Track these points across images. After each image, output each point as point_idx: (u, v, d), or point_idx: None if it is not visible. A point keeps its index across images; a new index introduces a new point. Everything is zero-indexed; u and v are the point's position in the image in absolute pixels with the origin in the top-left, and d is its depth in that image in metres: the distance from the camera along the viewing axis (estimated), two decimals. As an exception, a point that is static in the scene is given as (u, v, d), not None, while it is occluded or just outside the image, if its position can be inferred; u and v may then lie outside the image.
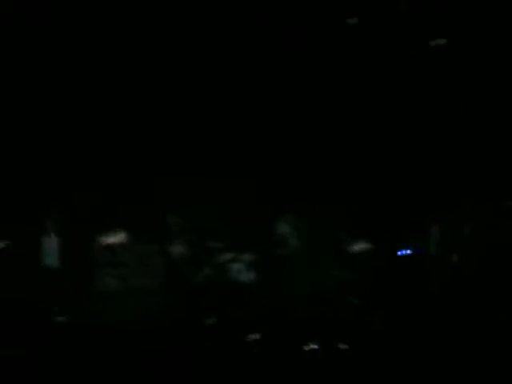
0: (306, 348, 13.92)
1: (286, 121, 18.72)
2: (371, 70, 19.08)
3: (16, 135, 16.86)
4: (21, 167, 16.75)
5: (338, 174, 18.77)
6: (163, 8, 17.94)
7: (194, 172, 17.64)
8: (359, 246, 17.61)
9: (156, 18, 17.81)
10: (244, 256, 16.59)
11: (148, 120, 17.59)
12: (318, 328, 14.57)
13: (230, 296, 15.43)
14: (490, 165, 18.81)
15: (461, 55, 19.20)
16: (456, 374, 12.99)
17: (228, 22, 18.29)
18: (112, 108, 17.45)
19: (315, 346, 13.97)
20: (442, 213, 17.81)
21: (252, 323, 14.52)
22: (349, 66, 18.94)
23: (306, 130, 18.85)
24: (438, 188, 18.47)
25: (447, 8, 19.12)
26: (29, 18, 16.95)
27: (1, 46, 16.72)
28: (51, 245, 15.42)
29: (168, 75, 17.98)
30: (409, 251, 17.46)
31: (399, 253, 17.56)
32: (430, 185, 18.55)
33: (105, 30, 17.44)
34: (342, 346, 14.14)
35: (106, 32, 17.42)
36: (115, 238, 15.78)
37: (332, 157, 19.01)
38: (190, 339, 13.38)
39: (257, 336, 14.01)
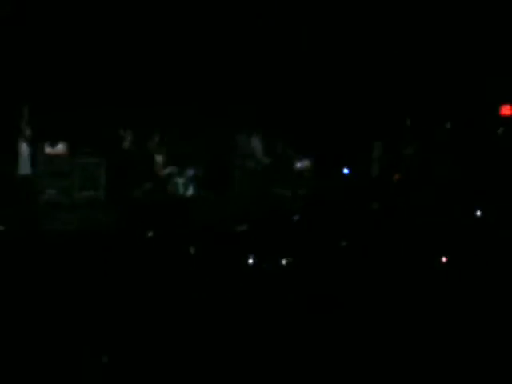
0: (247, 262, 14.17)
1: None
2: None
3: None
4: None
5: (285, 94, 18.83)
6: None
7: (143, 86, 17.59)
8: (304, 164, 17.81)
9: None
10: (188, 171, 16.73)
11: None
12: (260, 244, 14.81)
13: (173, 209, 15.58)
14: (430, 87, 19.01)
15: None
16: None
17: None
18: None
19: (255, 261, 14.21)
20: (384, 133, 18.04)
21: (193, 237, 14.71)
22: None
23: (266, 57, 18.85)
24: (380, 109, 18.64)
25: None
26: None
27: None
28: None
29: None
30: (350, 171, 17.69)
31: (343, 171, 17.78)
32: (373, 106, 18.70)
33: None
34: (284, 261, 14.42)
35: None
36: (57, 149, 15.76)
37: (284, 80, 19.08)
38: (132, 250, 13.57)
39: (197, 249, 14.21)
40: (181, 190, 16.48)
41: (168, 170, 16.56)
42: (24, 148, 15.52)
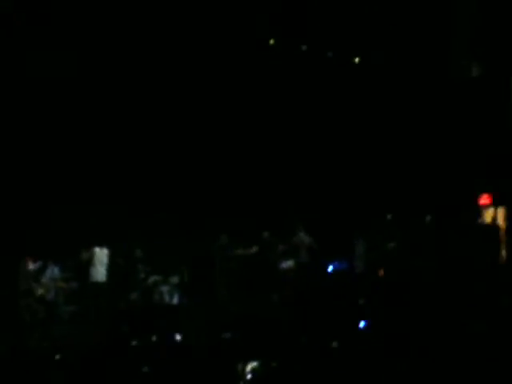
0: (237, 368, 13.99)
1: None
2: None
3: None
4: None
5: (264, 197, 18.96)
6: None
7: (118, 199, 17.68)
8: (288, 264, 17.79)
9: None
10: (173, 279, 16.68)
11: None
12: (249, 348, 14.65)
13: (159, 317, 15.47)
14: (410, 181, 19.21)
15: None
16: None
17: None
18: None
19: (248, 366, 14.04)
20: (366, 229, 18.10)
21: (183, 344, 14.56)
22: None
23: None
24: (361, 205, 18.77)
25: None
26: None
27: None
28: None
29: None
30: (336, 267, 17.67)
31: (328, 269, 17.76)
32: (354, 202, 18.84)
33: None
34: (274, 365, 14.23)
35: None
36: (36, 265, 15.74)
37: (260, 181, 19.26)
38: (117, 361, 13.38)
39: (186, 357, 14.05)
40: (166, 298, 16.39)
41: (153, 279, 16.51)
42: None
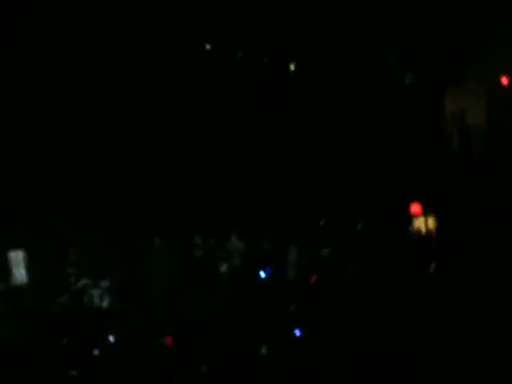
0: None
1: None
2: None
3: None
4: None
5: (198, 200, 18.86)
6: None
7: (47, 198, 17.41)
8: (222, 269, 17.76)
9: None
10: (103, 282, 16.48)
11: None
12: (181, 354, 14.62)
13: (90, 321, 15.31)
14: (342, 187, 19.32)
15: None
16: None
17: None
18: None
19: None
20: (299, 235, 18.15)
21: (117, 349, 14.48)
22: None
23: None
24: (295, 211, 18.80)
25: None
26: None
27: None
28: None
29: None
30: (268, 273, 17.68)
31: (260, 274, 17.76)
32: (288, 208, 18.88)
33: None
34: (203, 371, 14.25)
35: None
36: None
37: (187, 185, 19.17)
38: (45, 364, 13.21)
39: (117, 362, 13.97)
40: (97, 301, 16.19)
41: (83, 282, 16.29)
42: None
